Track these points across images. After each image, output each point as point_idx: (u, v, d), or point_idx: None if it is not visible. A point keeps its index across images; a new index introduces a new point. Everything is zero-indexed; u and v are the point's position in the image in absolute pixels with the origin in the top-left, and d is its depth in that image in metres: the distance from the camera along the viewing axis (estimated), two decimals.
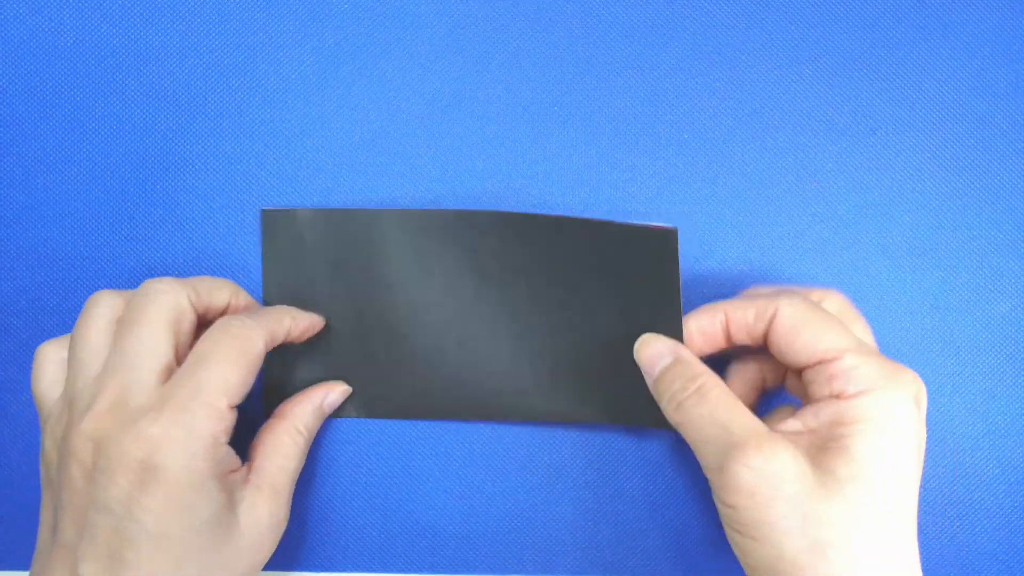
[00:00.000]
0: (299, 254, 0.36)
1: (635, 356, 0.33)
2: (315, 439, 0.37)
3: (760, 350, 0.33)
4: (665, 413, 0.31)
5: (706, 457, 0.29)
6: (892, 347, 0.37)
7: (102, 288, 0.33)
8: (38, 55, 0.37)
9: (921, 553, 0.36)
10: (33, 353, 0.32)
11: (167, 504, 0.27)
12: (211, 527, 0.28)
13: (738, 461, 0.27)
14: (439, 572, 0.37)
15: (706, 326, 0.32)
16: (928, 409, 0.37)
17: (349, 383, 0.36)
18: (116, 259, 0.37)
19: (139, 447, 0.27)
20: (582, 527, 0.37)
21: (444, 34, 0.38)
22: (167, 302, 0.30)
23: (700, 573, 0.37)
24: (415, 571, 0.37)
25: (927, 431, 0.30)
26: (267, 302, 0.36)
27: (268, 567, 0.37)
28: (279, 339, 0.33)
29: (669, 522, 0.37)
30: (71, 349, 0.31)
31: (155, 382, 0.29)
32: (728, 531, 0.29)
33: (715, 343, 0.33)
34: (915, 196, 0.37)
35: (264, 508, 0.31)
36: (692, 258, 0.37)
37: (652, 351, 0.32)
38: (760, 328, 0.31)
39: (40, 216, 0.37)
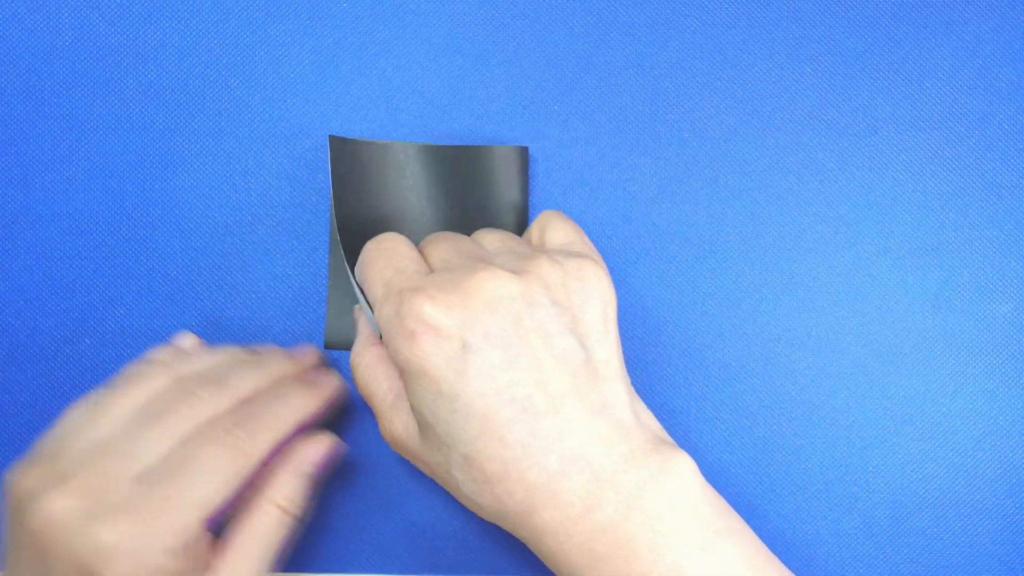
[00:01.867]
0: (359, 182, 0.36)
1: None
2: None
3: None
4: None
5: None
6: (893, 347, 0.37)
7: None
8: (37, 55, 0.37)
9: (920, 552, 0.36)
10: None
11: None
12: None
13: (380, 427, 0.31)
14: (438, 573, 0.37)
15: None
16: (930, 410, 0.37)
17: None
18: (115, 259, 0.37)
19: (89, 552, 0.25)
20: None
21: (444, 33, 0.38)
22: (203, 413, 0.29)
23: None
24: (414, 572, 0.37)
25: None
26: (341, 226, 0.35)
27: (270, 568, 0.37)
28: (278, 444, 0.30)
29: None
30: (104, 402, 0.29)
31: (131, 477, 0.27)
32: None
33: None
34: (916, 196, 0.37)
35: None
36: (693, 257, 0.37)
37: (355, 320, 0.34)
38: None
39: (39, 216, 0.37)
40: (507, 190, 0.37)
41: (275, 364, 0.32)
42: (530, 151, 0.38)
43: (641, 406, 0.29)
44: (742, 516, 0.37)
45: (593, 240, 0.37)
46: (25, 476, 0.27)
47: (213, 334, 0.37)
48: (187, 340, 0.34)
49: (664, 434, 0.29)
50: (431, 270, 0.29)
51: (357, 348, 0.32)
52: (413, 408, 0.28)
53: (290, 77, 0.37)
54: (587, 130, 0.37)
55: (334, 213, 0.35)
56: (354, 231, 0.36)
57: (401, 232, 0.36)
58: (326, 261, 0.37)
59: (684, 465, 0.26)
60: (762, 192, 0.37)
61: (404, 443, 0.29)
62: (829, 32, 0.38)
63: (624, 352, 0.37)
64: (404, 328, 0.26)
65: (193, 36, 0.38)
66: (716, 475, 0.37)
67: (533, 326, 0.26)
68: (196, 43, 0.38)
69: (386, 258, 0.29)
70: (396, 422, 0.29)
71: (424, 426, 0.28)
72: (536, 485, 0.26)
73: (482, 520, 0.37)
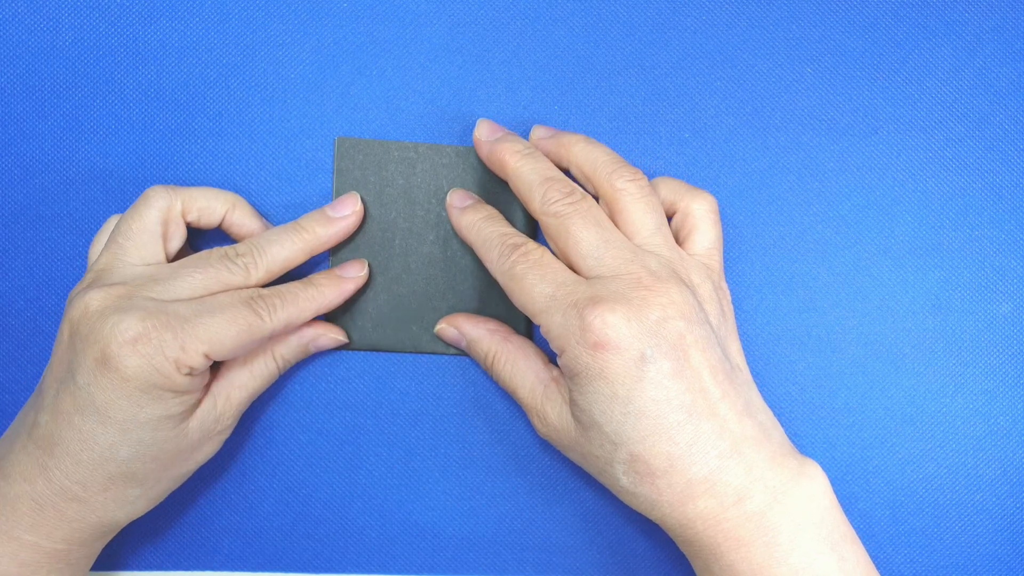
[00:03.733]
0: (363, 180, 0.37)
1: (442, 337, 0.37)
2: (315, 439, 0.37)
3: None
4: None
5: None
6: (893, 347, 0.37)
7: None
8: (37, 55, 0.37)
9: (920, 552, 0.36)
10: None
11: (117, 391, 0.30)
12: (153, 425, 0.31)
13: (531, 420, 0.34)
14: (438, 573, 0.37)
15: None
16: (930, 409, 0.37)
17: (373, 307, 0.37)
18: None
19: (113, 334, 0.29)
20: (582, 527, 0.37)
21: (444, 33, 0.38)
22: (157, 204, 0.33)
23: None
24: (415, 572, 0.37)
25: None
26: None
27: (270, 568, 0.37)
28: (300, 323, 0.34)
29: None
30: (113, 231, 0.34)
31: (136, 264, 0.32)
32: None
33: None
34: (916, 196, 0.37)
35: (212, 416, 0.33)
36: None
37: (448, 337, 0.37)
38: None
39: (40, 216, 0.37)
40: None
41: (311, 236, 0.35)
42: None
43: (769, 411, 0.32)
44: None
45: None
46: (79, 285, 0.32)
47: None
48: None
49: (787, 439, 0.32)
50: (581, 267, 0.31)
51: (488, 347, 0.35)
52: (580, 407, 0.30)
53: (290, 77, 0.37)
54: (587, 130, 0.37)
55: None
56: (357, 229, 0.36)
57: (410, 230, 0.37)
58: (327, 261, 0.37)
59: (819, 473, 0.30)
60: (762, 192, 0.37)
61: (560, 436, 0.32)
62: (829, 32, 0.38)
63: None
64: (587, 338, 0.29)
65: (193, 36, 0.38)
66: None
67: (694, 340, 0.30)
68: (196, 43, 0.38)
69: (540, 271, 0.31)
70: (551, 416, 0.32)
71: (589, 424, 0.30)
72: (697, 478, 0.29)
73: (482, 520, 0.37)
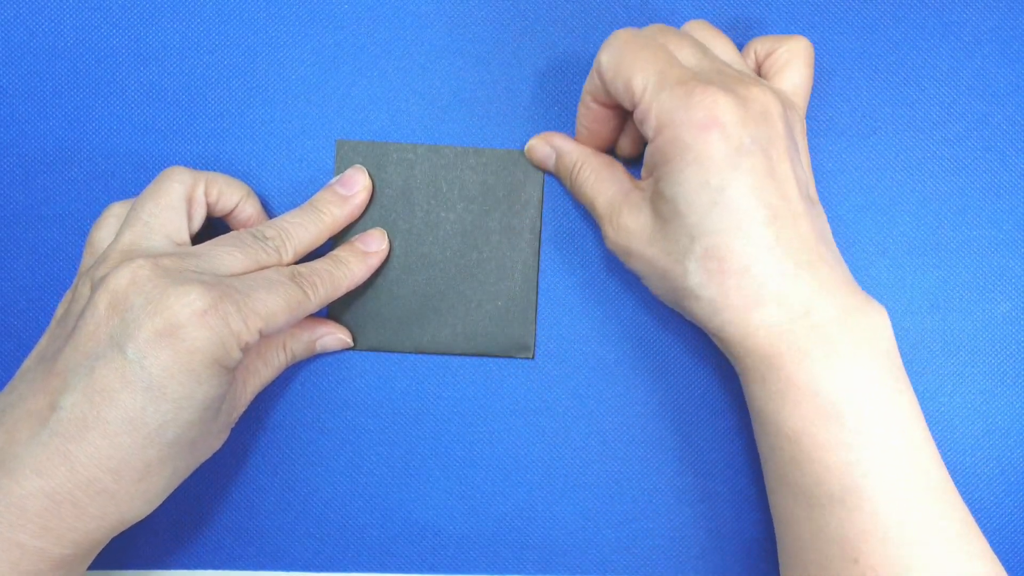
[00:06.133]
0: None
1: (529, 159, 0.37)
2: (316, 439, 0.37)
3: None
4: (568, 189, 0.36)
5: (595, 215, 0.34)
6: None
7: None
8: (38, 55, 0.37)
9: None
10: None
11: (179, 365, 0.28)
12: (203, 405, 0.29)
13: (603, 234, 0.33)
14: (439, 572, 0.37)
15: (583, 117, 0.35)
16: (929, 409, 0.37)
17: (374, 312, 0.37)
18: None
19: (181, 305, 0.28)
20: (582, 527, 0.37)
21: (444, 34, 0.38)
22: (181, 183, 0.33)
23: (699, 573, 0.37)
24: (415, 571, 0.37)
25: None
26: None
27: (270, 568, 0.37)
28: (333, 300, 0.34)
29: (669, 522, 0.37)
30: (86, 245, 0.34)
31: (165, 245, 0.31)
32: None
33: (606, 125, 0.35)
34: (915, 196, 0.37)
35: (231, 403, 0.33)
36: None
37: (539, 155, 0.36)
38: (597, 83, 0.33)
39: (40, 216, 0.37)
40: (520, 193, 0.37)
41: (330, 218, 0.35)
42: None
43: (838, 252, 0.32)
44: (742, 514, 0.37)
45: (594, 239, 0.38)
46: (98, 263, 0.30)
47: None
48: None
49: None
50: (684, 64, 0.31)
51: (577, 158, 0.35)
52: (665, 198, 0.30)
53: (291, 78, 0.38)
54: None
55: None
56: (352, 228, 0.36)
57: (410, 231, 0.37)
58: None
59: (884, 313, 0.30)
60: None
61: (634, 235, 0.32)
62: (829, 32, 0.38)
63: (627, 347, 0.37)
64: (694, 116, 0.28)
65: (194, 38, 0.38)
66: (717, 473, 0.37)
67: (785, 150, 0.29)
68: (198, 45, 0.38)
69: (653, 50, 0.30)
70: (628, 217, 0.32)
71: (670, 215, 0.30)
72: (770, 283, 0.29)
73: (483, 519, 0.37)
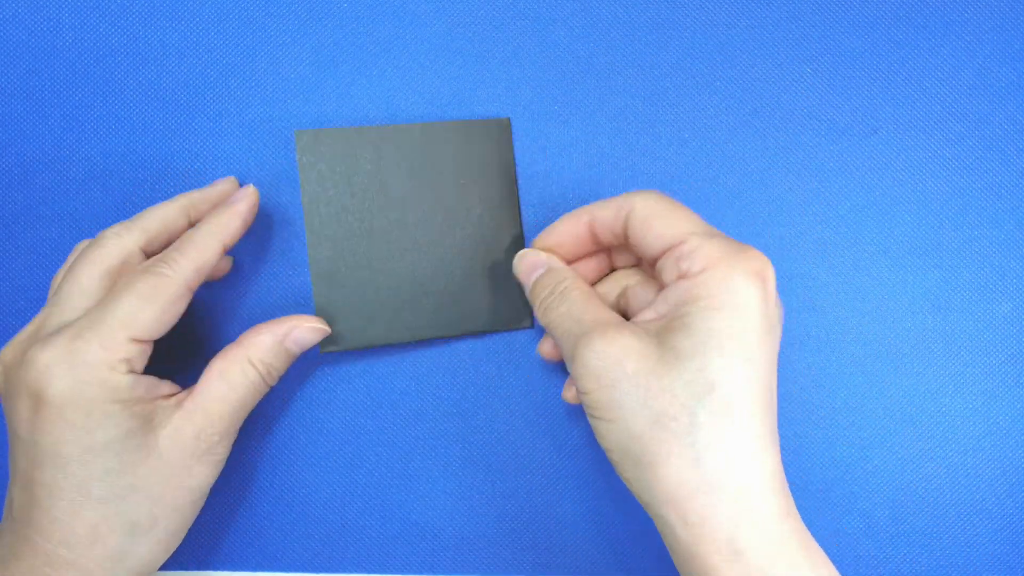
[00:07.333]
0: (328, 172, 0.36)
1: (514, 270, 0.34)
2: (315, 439, 0.37)
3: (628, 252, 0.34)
4: (539, 319, 0.32)
5: (565, 350, 0.30)
6: (893, 347, 0.37)
7: None
8: (37, 55, 0.37)
9: (920, 552, 0.36)
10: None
11: (58, 426, 0.28)
12: (115, 449, 0.29)
13: (586, 348, 0.29)
14: (439, 573, 0.37)
15: (573, 228, 0.33)
16: (930, 409, 0.37)
17: (359, 306, 0.36)
18: None
19: (28, 373, 0.28)
20: (582, 527, 0.37)
21: (444, 33, 0.38)
22: (113, 246, 0.31)
23: None
24: (415, 572, 0.37)
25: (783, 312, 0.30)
26: (309, 223, 0.35)
27: (270, 568, 0.37)
28: (208, 267, 0.32)
29: None
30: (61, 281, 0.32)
31: (76, 318, 0.30)
32: (590, 420, 0.29)
33: (584, 244, 0.34)
34: (916, 196, 0.37)
35: (190, 432, 0.31)
36: None
37: (528, 264, 0.34)
38: (620, 224, 0.32)
39: (40, 216, 0.37)
40: (492, 164, 0.37)
41: (185, 195, 0.34)
42: (530, 151, 0.38)
43: None
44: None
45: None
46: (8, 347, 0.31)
47: (212, 332, 0.37)
48: None
49: None
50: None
51: (569, 275, 0.32)
52: (690, 330, 0.28)
53: (290, 77, 0.38)
54: (587, 130, 0.37)
55: (305, 206, 0.35)
56: (326, 220, 0.35)
57: (388, 217, 0.36)
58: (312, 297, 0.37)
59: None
60: (762, 192, 0.37)
61: (632, 355, 0.28)
62: (829, 32, 0.38)
63: None
64: (750, 264, 0.28)
65: (194, 37, 0.38)
66: None
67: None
68: (197, 44, 0.38)
69: (689, 210, 0.31)
70: (630, 336, 0.29)
71: (690, 353, 0.27)
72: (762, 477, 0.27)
73: (482, 520, 0.37)
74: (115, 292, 0.30)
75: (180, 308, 0.31)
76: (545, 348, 0.35)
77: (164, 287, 0.30)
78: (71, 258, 0.33)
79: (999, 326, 0.37)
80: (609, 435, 0.28)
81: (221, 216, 0.33)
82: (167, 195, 0.37)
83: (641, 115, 0.38)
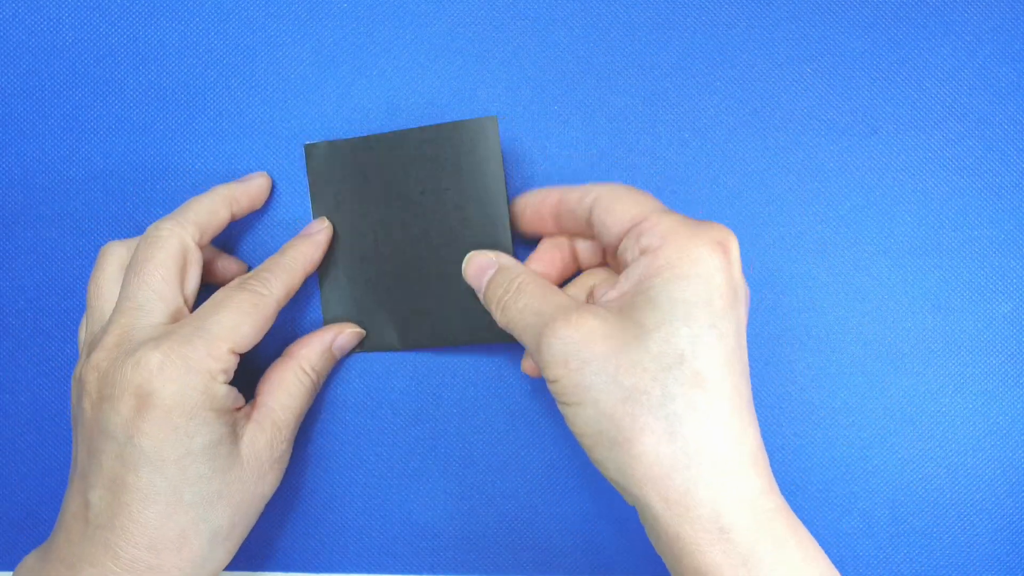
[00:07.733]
0: (337, 182, 0.36)
1: (464, 275, 0.34)
2: (315, 439, 0.37)
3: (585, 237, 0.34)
4: (496, 321, 0.32)
5: (529, 344, 0.29)
6: (893, 347, 0.37)
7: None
8: (38, 55, 0.37)
9: (920, 552, 0.36)
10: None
11: (163, 428, 0.29)
12: (209, 455, 0.30)
13: (551, 335, 0.28)
14: (439, 573, 0.37)
15: (537, 204, 0.33)
16: (930, 409, 0.37)
17: (379, 313, 0.36)
18: None
19: (138, 373, 0.29)
20: (582, 527, 0.37)
21: (444, 33, 0.38)
22: (174, 246, 0.32)
23: None
24: (415, 572, 0.37)
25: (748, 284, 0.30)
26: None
27: (270, 568, 0.37)
28: (293, 292, 0.34)
29: None
30: (87, 299, 0.33)
31: (162, 322, 0.31)
32: (560, 407, 0.29)
33: (543, 224, 0.34)
34: (916, 196, 0.37)
35: (263, 442, 0.32)
36: None
37: (476, 266, 0.33)
38: (585, 208, 0.32)
39: (40, 216, 0.37)
40: (482, 163, 0.36)
41: (224, 187, 0.35)
42: (530, 151, 0.38)
43: None
44: None
45: None
46: (76, 370, 0.32)
47: None
48: None
49: None
50: None
51: (521, 270, 0.32)
52: (653, 304, 0.27)
53: (290, 78, 0.38)
54: (587, 130, 0.37)
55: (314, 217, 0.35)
56: (335, 231, 0.36)
57: (395, 227, 0.36)
58: (317, 290, 0.37)
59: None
60: (762, 192, 0.37)
61: (598, 336, 0.28)
62: (829, 32, 0.38)
63: None
64: (711, 234, 0.28)
65: (194, 37, 0.38)
66: None
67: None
68: (197, 44, 0.38)
69: (648, 194, 0.31)
70: (591, 318, 0.28)
71: (655, 325, 0.27)
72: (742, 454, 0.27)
73: (482, 520, 0.37)
74: (215, 305, 0.31)
75: (269, 326, 0.33)
76: (528, 365, 0.34)
77: (262, 305, 0.32)
78: (103, 260, 0.33)
79: (999, 326, 0.37)
80: (580, 418, 0.28)
81: (306, 247, 0.35)
82: (167, 195, 0.37)
83: (641, 115, 0.38)
